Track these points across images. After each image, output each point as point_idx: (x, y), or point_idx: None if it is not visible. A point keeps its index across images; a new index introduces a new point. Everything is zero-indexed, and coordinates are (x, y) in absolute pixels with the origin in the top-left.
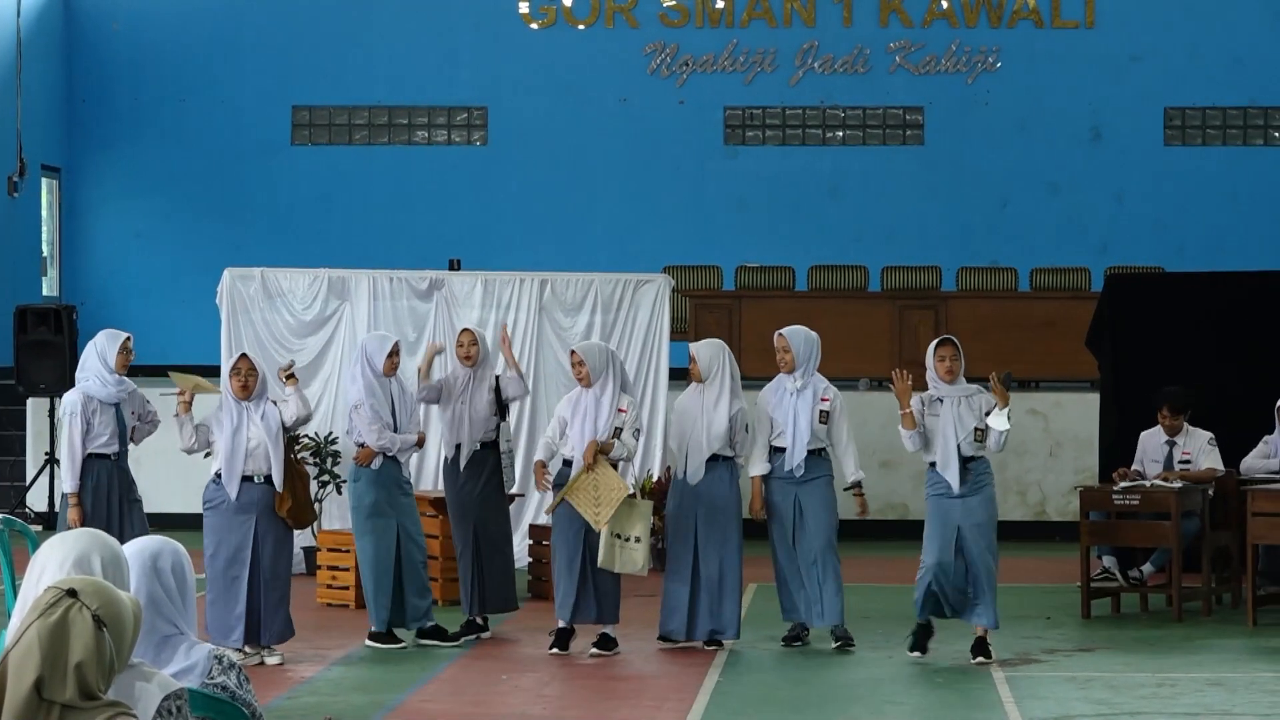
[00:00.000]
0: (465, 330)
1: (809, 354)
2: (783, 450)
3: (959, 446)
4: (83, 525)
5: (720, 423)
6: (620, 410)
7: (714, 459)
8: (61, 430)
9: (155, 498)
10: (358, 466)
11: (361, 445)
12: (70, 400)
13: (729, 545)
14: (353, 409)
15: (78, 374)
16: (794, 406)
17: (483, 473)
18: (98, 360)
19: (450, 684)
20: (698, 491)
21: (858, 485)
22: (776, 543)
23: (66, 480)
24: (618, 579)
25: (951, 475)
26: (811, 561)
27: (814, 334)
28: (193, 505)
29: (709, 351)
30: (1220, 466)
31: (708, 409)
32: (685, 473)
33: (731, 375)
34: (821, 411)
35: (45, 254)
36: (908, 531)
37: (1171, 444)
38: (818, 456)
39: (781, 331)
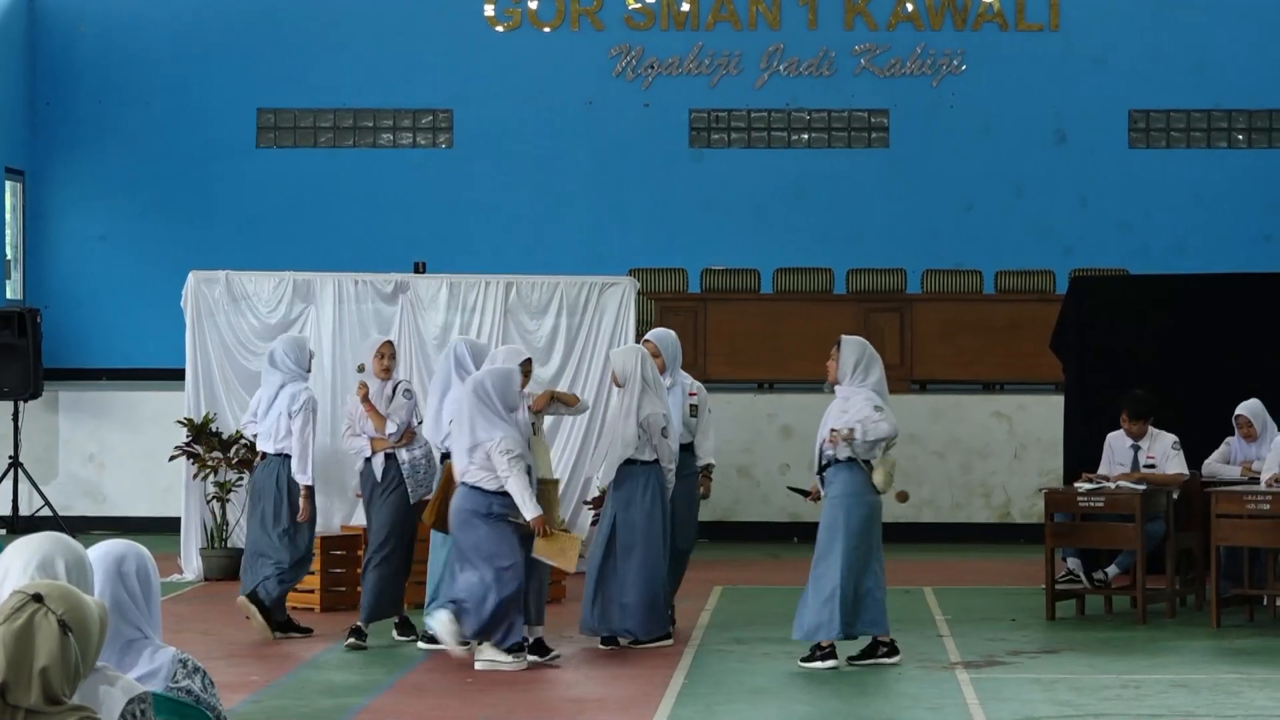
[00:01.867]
0: (387, 342)
1: (674, 354)
2: None
3: (820, 448)
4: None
5: (630, 428)
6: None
7: (629, 463)
8: (297, 424)
9: (120, 501)
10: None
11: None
12: (308, 397)
13: (642, 548)
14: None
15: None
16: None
17: (392, 481)
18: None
19: (416, 687)
20: (615, 495)
21: (708, 469)
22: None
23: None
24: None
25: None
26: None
27: (672, 333)
28: (158, 509)
29: (622, 358)
30: (1185, 470)
31: (623, 414)
32: (600, 475)
33: (645, 379)
34: (691, 405)
35: (9, 257)
36: None
37: (1136, 447)
38: (688, 452)
39: (648, 336)
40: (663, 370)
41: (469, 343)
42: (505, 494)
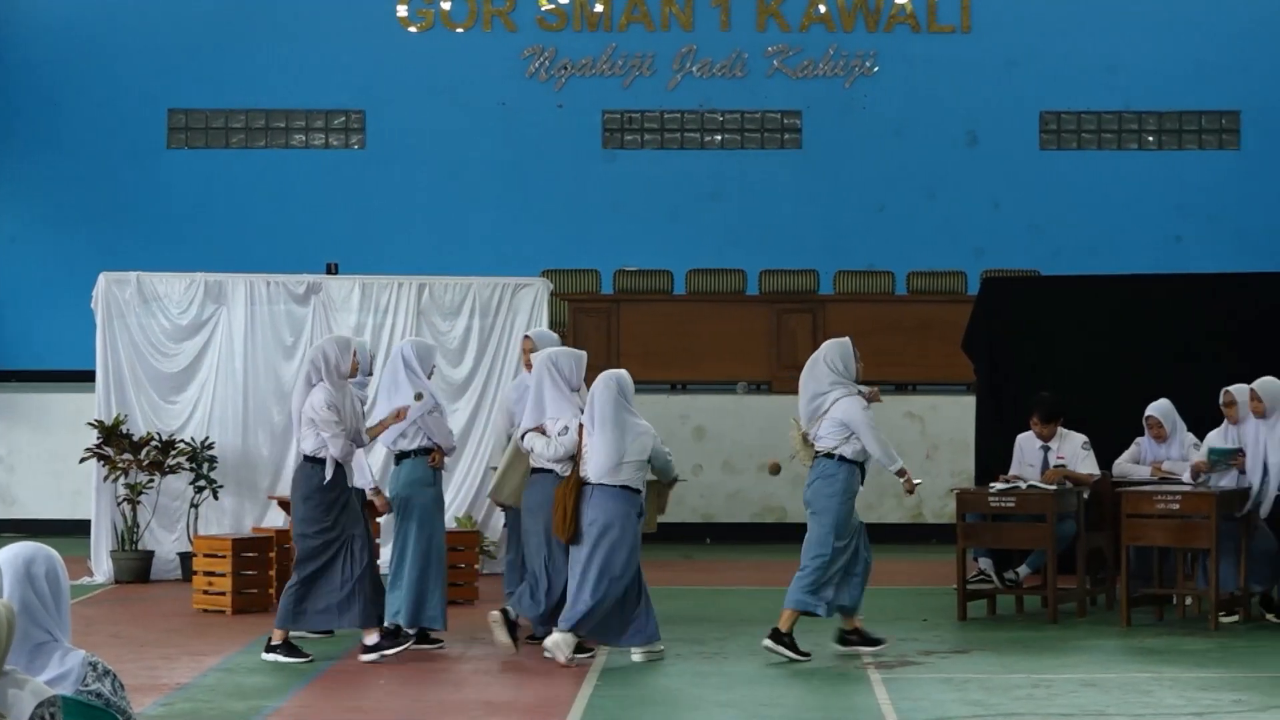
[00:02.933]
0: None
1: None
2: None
3: None
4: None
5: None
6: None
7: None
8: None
9: (30, 504)
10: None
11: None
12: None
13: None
14: (430, 413)
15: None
16: None
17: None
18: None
19: (327, 689)
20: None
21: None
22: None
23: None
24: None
25: None
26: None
27: (552, 334)
28: (68, 511)
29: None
30: (1096, 470)
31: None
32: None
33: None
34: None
35: None
36: (787, 534)
37: (1046, 448)
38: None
39: (528, 333)
40: (529, 366)
41: (415, 343)
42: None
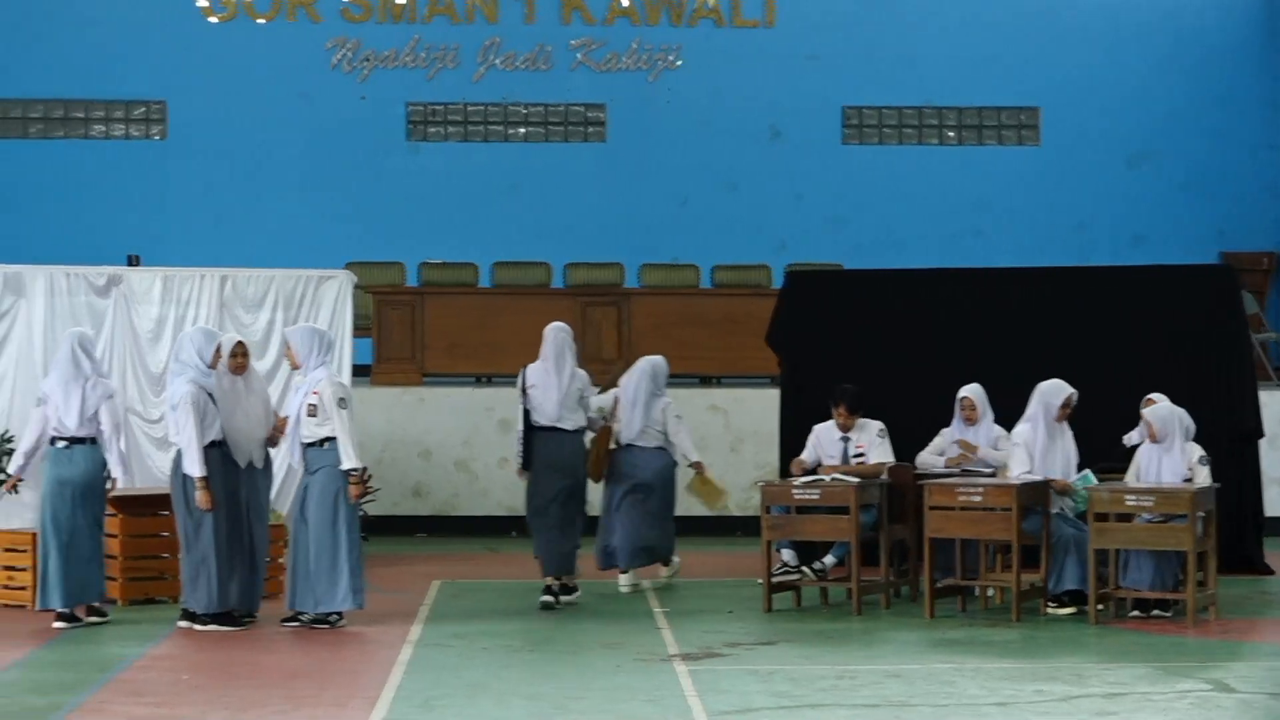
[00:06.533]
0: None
1: (309, 349)
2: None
3: None
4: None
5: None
6: None
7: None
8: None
9: None
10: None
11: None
12: (187, 390)
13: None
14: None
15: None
16: (295, 401)
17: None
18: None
19: (129, 685)
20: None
21: (352, 472)
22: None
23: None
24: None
25: None
26: (317, 549)
27: (316, 329)
28: None
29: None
30: (891, 458)
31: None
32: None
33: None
34: (310, 405)
35: None
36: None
37: (846, 439)
38: (318, 447)
39: (285, 330)
40: (295, 366)
41: (80, 336)
42: None
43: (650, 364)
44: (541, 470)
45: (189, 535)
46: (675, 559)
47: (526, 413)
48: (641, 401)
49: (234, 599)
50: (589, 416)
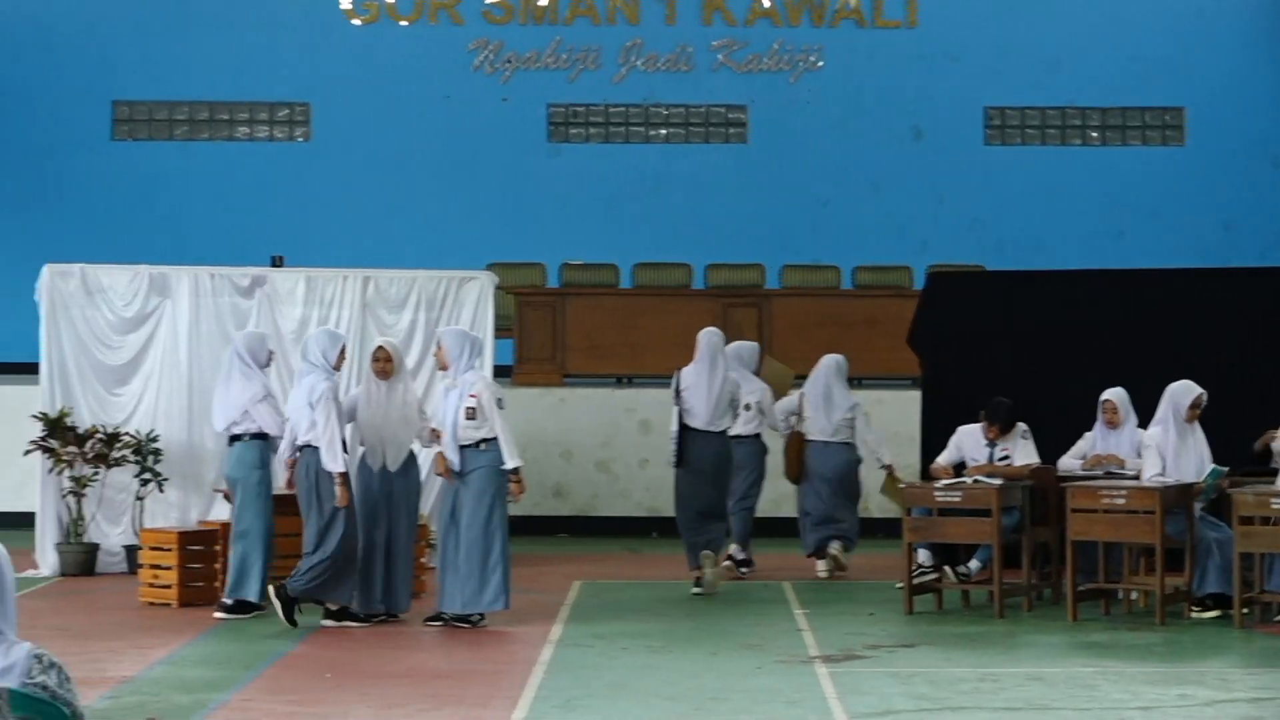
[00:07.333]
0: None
1: (461, 351)
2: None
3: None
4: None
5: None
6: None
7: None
8: (319, 414)
9: None
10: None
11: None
12: (326, 387)
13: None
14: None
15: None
16: (447, 404)
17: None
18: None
19: (273, 683)
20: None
21: (514, 471)
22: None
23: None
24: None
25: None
26: (468, 550)
27: (469, 333)
28: (13, 504)
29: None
30: (1036, 459)
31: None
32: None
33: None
34: (468, 408)
35: None
36: None
37: (992, 444)
38: (475, 449)
39: (439, 331)
40: (444, 367)
41: (247, 335)
42: None
43: (834, 362)
44: (692, 470)
45: (321, 533)
46: (850, 548)
47: (680, 414)
48: (831, 399)
49: (377, 599)
50: (777, 420)
